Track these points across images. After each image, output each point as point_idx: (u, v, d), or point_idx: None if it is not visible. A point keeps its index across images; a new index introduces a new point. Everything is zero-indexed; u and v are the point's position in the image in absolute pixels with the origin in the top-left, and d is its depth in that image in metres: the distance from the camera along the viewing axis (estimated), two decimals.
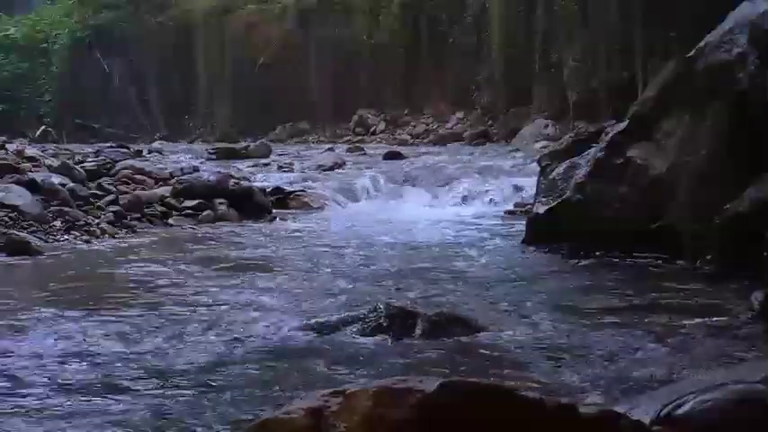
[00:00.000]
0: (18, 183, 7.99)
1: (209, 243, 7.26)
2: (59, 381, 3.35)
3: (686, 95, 5.83)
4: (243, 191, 9.17)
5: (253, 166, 12.61)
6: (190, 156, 14.46)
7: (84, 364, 3.58)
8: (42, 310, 4.53)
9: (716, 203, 5.30)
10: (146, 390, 3.24)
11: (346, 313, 4.22)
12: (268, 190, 9.89)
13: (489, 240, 7.15)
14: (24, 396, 3.18)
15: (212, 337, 3.99)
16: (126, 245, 7.12)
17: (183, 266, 5.96)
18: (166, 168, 10.87)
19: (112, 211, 8.07)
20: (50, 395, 3.19)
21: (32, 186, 7.97)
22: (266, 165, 13.05)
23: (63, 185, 8.31)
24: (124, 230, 7.73)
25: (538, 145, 15.46)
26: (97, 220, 7.75)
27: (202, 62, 24.36)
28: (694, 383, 2.43)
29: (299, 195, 10.03)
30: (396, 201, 10.29)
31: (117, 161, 10.76)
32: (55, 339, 3.97)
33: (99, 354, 3.72)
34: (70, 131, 23.69)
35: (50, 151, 12.11)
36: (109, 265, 6.08)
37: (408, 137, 20.72)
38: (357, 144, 18.44)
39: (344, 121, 22.21)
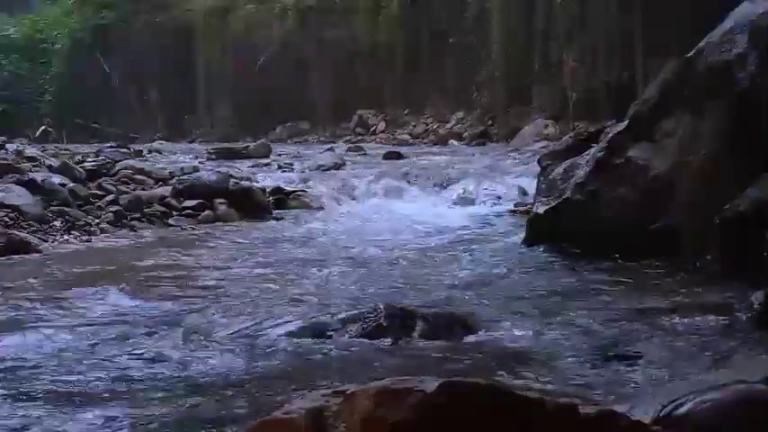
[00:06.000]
0: (18, 183, 8.00)
1: (208, 243, 7.26)
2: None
3: (686, 95, 5.83)
4: (243, 191, 9.17)
5: (253, 166, 12.59)
6: (190, 156, 14.45)
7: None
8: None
9: (716, 203, 5.30)
10: (142, 393, 3.24)
11: (346, 313, 4.21)
12: (268, 190, 9.88)
13: (489, 240, 7.15)
14: None
15: (210, 338, 3.99)
16: (126, 244, 7.13)
17: (181, 266, 5.96)
18: (166, 168, 10.86)
19: (112, 211, 8.07)
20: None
21: (32, 186, 7.98)
22: (266, 165, 13.03)
23: (63, 185, 8.31)
24: (124, 230, 7.74)
25: (538, 145, 15.44)
26: (97, 220, 7.76)
27: (202, 62, 24.35)
28: (694, 383, 2.43)
29: (299, 195, 10.02)
30: (395, 201, 10.27)
31: (117, 161, 10.76)
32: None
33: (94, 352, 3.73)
34: (70, 131, 23.68)
35: (50, 151, 12.10)
36: (108, 264, 6.08)
37: (408, 137, 20.70)
38: (357, 144, 18.42)
39: (344, 121, 22.20)
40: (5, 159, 9.04)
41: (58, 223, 7.44)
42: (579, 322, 4.22)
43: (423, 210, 9.54)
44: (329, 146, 17.88)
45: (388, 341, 3.86)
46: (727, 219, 5.22)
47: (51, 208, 7.73)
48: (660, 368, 3.42)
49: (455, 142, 18.99)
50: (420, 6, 21.45)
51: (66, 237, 7.23)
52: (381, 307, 4.05)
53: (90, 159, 10.71)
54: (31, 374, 3.43)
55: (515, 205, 9.36)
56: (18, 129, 22.94)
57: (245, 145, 15.53)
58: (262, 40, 23.43)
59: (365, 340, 3.88)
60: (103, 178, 9.42)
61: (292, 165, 12.93)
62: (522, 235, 6.72)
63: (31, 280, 5.44)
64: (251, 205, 8.97)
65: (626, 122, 6.26)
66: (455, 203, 10.02)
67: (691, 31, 7.90)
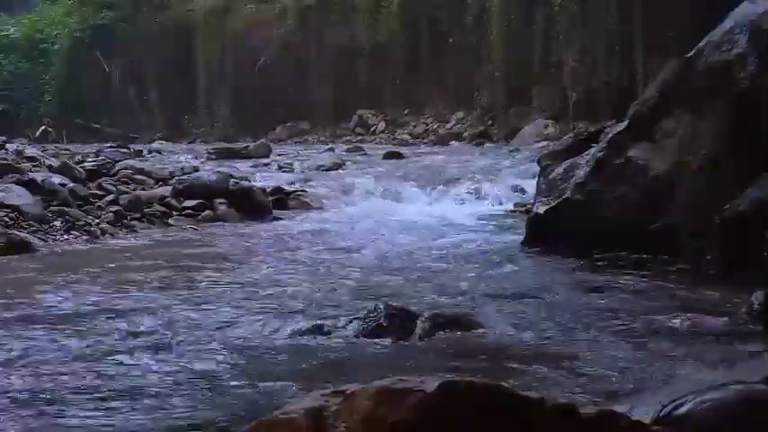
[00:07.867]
0: (18, 183, 7.99)
1: (209, 243, 7.26)
2: None
3: (686, 95, 5.83)
4: (243, 191, 9.17)
5: (253, 166, 12.60)
6: (190, 156, 14.45)
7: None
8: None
9: (716, 203, 5.30)
10: (142, 392, 3.24)
11: (346, 313, 4.22)
12: (268, 190, 9.88)
13: (489, 240, 7.15)
14: None
15: (211, 338, 3.99)
16: (127, 245, 7.13)
17: (183, 266, 5.96)
18: (166, 168, 10.86)
19: (112, 211, 8.06)
20: None
21: (32, 186, 7.97)
22: (266, 165, 13.05)
23: (63, 185, 8.30)
24: (124, 230, 7.73)
25: (538, 145, 15.45)
26: (97, 220, 7.75)
27: (202, 62, 24.36)
28: (694, 383, 2.43)
29: (299, 195, 10.03)
30: (395, 201, 10.28)
31: (117, 161, 10.77)
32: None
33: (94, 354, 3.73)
34: (70, 131, 23.70)
35: (50, 151, 12.12)
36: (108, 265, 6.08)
37: (408, 137, 20.72)
38: (357, 144, 18.43)
39: (344, 121, 22.21)
40: (5, 159, 9.03)
41: (58, 223, 7.44)
42: (578, 322, 4.22)
43: (422, 210, 9.55)
44: (329, 146, 17.89)
45: (388, 341, 3.87)
46: (727, 219, 5.23)
47: (51, 208, 7.72)
48: (659, 368, 3.42)
49: (455, 142, 19.00)
50: (420, 7, 21.45)
51: (66, 237, 7.23)
52: (381, 307, 4.05)
53: (90, 159, 10.72)
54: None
55: (515, 205, 9.36)
56: (18, 129, 22.97)
57: (245, 145, 15.54)
58: (262, 40, 23.44)
59: (365, 340, 3.88)
60: (103, 178, 9.42)
61: (292, 165, 12.93)
62: (522, 235, 6.73)
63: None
64: (251, 205, 8.97)
65: (626, 122, 6.26)
66: (455, 203, 10.02)
67: (691, 31, 7.91)
